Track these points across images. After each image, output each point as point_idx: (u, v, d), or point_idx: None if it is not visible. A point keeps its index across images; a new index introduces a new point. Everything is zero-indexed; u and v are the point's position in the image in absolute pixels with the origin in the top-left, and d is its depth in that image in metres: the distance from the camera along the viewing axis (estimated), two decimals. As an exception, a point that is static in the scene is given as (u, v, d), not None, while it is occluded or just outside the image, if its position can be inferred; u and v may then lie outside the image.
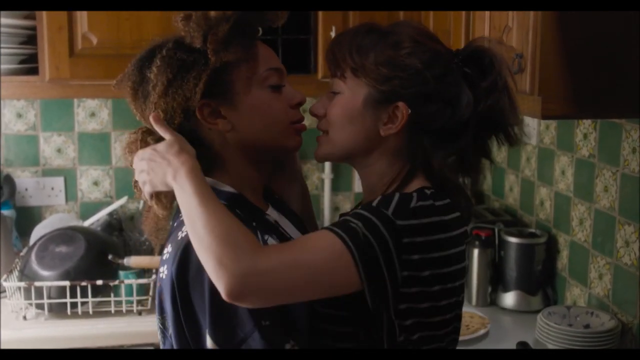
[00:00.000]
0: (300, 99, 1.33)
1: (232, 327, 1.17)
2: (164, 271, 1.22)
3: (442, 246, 1.20)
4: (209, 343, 1.18)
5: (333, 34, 2.46)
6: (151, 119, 1.23)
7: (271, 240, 1.25)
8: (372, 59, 1.25)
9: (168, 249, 1.24)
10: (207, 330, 1.18)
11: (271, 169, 1.42)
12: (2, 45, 2.40)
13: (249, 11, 1.26)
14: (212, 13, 1.23)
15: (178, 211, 1.25)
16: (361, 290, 1.16)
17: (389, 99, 1.25)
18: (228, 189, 1.29)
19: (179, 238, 1.22)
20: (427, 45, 1.26)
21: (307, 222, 1.52)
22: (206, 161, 1.26)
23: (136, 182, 1.28)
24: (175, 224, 1.30)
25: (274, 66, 1.30)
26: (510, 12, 1.67)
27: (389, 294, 1.17)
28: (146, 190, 1.25)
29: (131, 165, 1.27)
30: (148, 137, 1.26)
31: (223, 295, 1.11)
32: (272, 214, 1.36)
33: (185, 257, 1.19)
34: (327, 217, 2.99)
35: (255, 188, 1.36)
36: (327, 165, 2.98)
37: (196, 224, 1.14)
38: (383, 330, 1.21)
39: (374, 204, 1.19)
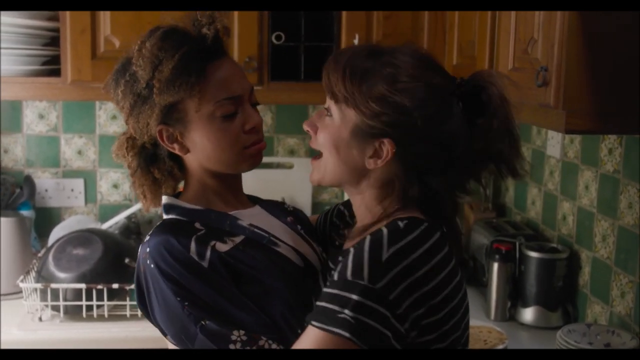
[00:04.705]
0: (254, 123, 1.35)
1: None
2: None
3: (426, 278, 1.15)
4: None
5: (356, 42, 2.45)
6: None
7: (219, 245, 1.28)
8: (364, 90, 1.21)
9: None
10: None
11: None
12: (25, 47, 2.41)
13: (193, 48, 1.30)
14: (159, 51, 1.28)
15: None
16: None
17: (376, 134, 1.22)
18: (189, 205, 1.36)
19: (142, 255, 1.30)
20: (423, 80, 1.21)
21: None
22: (176, 176, 1.41)
23: None
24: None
25: (226, 96, 1.32)
26: (535, 24, 1.64)
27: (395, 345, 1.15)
28: None
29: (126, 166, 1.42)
30: (131, 142, 1.38)
31: None
32: (251, 214, 1.41)
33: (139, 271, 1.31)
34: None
35: (226, 195, 1.41)
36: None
37: None
38: None
39: (349, 276, 1.13)
